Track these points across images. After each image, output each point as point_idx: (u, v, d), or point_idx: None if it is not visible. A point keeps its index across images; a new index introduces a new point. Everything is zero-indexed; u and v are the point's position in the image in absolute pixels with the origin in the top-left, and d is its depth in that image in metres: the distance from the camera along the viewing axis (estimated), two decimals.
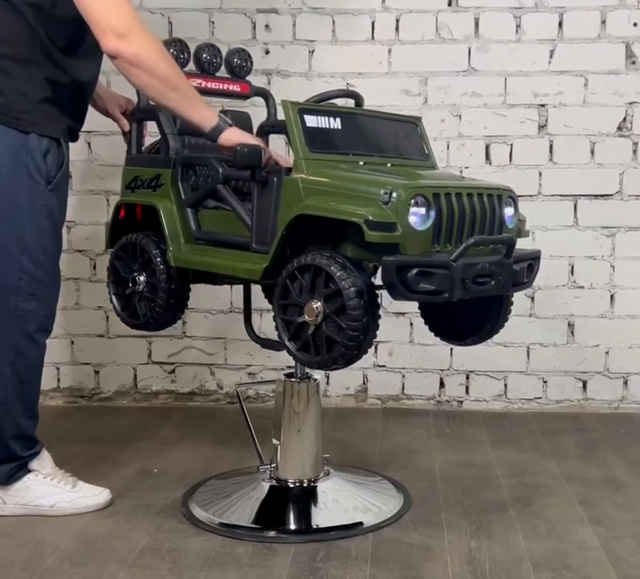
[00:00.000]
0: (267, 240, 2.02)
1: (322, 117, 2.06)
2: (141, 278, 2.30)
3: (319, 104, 2.15)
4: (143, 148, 2.41)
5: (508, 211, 2.04)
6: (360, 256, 1.91)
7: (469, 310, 2.17)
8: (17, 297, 2.13)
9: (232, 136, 2.05)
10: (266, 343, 2.37)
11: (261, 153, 2.01)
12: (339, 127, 2.09)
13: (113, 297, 2.38)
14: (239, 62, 2.38)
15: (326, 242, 1.96)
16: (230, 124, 2.07)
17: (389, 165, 2.09)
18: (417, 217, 1.85)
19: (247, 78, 2.42)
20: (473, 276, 1.88)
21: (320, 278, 1.90)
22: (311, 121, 2.04)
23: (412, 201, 1.84)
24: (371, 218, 1.81)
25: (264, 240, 2.03)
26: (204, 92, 2.32)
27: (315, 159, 2.00)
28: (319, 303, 1.90)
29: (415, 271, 1.81)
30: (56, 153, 2.14)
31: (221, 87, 2.37)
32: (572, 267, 3.22)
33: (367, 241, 1.82)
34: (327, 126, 2.07)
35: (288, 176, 1.99)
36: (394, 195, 1.82)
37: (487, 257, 1.94)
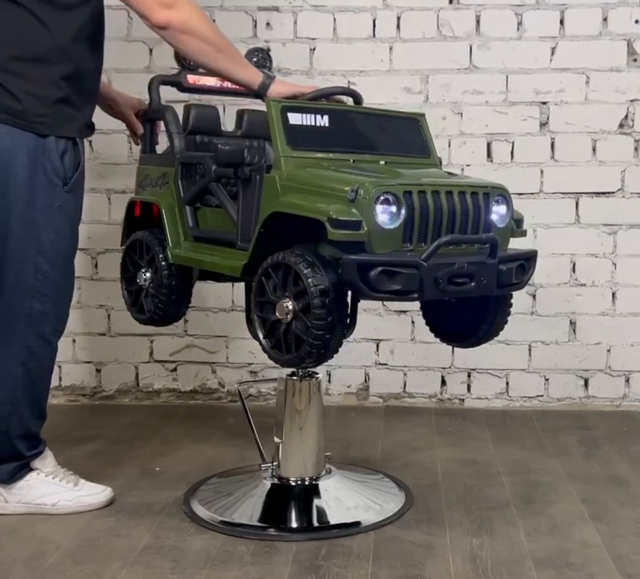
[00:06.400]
0: (250, 238, 2.02)
1: (308, 115, 2.04)
2: (147, 275, 2.35)
3: (307, 102, 2.12)
4: (167, 148, 2.41)
5: (499, 210, 1.99)
6: (334, 254, 1.87)
7: (467, 312, 2.15)
8: (32, 298, 2.13)
9: (281, 88, 2.18)
10: None
11: (243, 152, 2.02)
12: (327, 125, 2.07)
13: (125, 292, 2.43)
14: (258, 61, 2.38)
15: (310, 240, 1.94)
16: (272, 77, 2.18)
17: (383, 162, 2.07)
18: (386, 215, 1.81)
19: None
20: (448, 276, 1.83)
21: (290, 276, 1.89)
22: (295, 118, 2.02)
23: (381, 198, 1.81)
24: (333, 216, 1.78)
25: (247, 238, 2.03)
26: (224, 92, 2.36)
27: (295, 157, 1.99)
28: (290, 301, 1.89)
29: (379, 270, 1.78)
30: (73, 154, 2.13)
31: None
32: (574, 265, 3.21)
33: (331, 239, 1.79)
34: (313, 124, 2.05)
35: (268, 173, 1.99)
36: (360, 192, 1.80)
37: (466, 257, 1.89)
